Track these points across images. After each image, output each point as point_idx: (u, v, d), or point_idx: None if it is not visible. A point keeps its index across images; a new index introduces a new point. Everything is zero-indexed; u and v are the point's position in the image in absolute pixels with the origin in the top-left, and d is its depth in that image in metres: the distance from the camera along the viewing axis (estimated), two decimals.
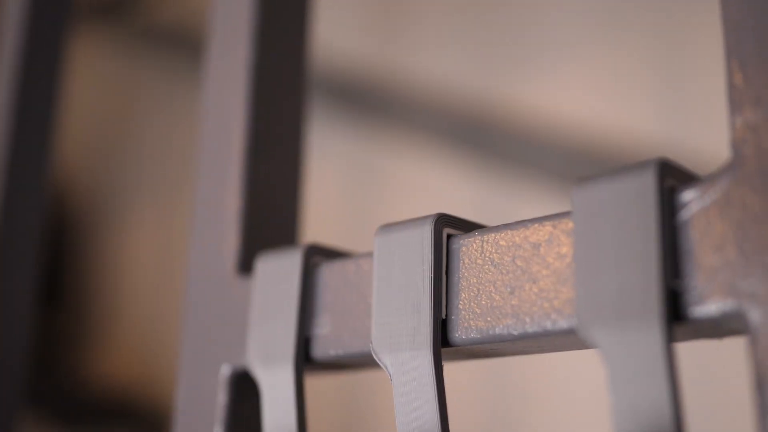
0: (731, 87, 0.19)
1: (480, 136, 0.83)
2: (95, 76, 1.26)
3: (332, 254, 0.29)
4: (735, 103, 0.19)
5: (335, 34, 0.93)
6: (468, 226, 0.25)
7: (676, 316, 0.19)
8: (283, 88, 0.36)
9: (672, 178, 0.20)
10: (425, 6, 0.91)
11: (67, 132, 1.16)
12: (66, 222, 1.21)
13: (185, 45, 1.09)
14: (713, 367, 0.59)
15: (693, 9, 0.72)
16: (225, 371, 0.31)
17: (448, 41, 0.87)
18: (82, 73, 1.20)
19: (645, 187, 0.19)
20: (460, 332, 0.23)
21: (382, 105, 0.91)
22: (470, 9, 0.87)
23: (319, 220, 0.83)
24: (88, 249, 1.20)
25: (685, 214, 0.19)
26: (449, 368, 0.25)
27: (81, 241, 1.21)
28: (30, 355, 0.50)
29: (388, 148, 0.89)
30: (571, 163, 0.76)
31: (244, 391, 0.31)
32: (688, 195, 0.19)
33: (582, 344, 0.21)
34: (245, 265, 0.32)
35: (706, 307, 0.18)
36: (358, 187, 0.92)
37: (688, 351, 0.26)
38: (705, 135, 0.68)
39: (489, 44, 0.84)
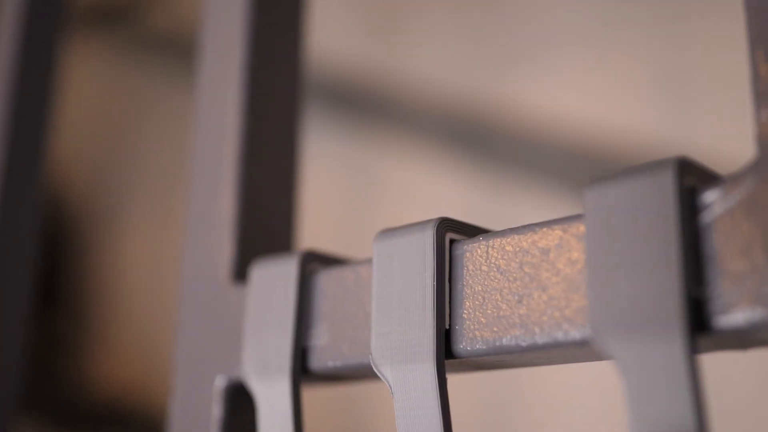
0: (756, 79, 0.18)
1: (480, 139, 0.81)
2: (93, 81, 1.25)
3: (330, 261, 0.28)
4: (761, 96, 0.17)
5: (331, 36, 0.92)
6: (472, 231, 0.23)
7: (700, 326, 0.17)
8: (278, 92, 0.34)
9: (692, 177, 0.18)
10: (422, 7, 0.90)
11: (65, 137, 1.15)
12: (64, 227, 1.20)
13: (183, 51, 1.08)
14: (740, 380, 0.58)
15: (696, 7, 0.70)
16: (219, 383, 0.30)
17: (446, 42, 0.86)
18: (79, 78, 1.19)
19: (663, 187, 0.18)
20: (464, 343, 0.22)
21: (379, 108, 0.90)
22: (468, 10, 0.86)
23: (316, 226, 0.82)
24: (86, 254, 1.19)
25: (707, 216, 0.18)
26: (453, 381, 0.23)
27: (78, 246, 1.20)
28: (27, 360, 0.50)
29: (386, 152, 0.88)
30: (575, 166, 0.74)
31: (240, 404, 0.30)
32: (710, 195, 0.18)
33: (595, 356, 0.20)
34: (240, 273, 0.31)
35: (733, 316, 0.17)
36: (356, 192, 0.91)
37: (712, 362, 0.25)
38: (711, 136, 0.67)
39: (488, 45, 0.83)
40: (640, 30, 0.74)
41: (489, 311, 0.21)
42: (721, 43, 0.68)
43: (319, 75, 0.91)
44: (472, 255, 0.22)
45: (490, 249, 0.22)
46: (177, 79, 1.12)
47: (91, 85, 1.25)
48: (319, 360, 0.26)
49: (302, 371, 0.27)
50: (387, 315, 0.23)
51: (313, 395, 0.36)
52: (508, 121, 0.79)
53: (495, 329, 0.21)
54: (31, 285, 0.50)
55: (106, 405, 1.06)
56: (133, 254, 1.14)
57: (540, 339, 0.20)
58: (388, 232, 0.24)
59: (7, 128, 0.50)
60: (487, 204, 0.78)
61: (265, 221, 0.33)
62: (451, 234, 0.23)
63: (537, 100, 0.77)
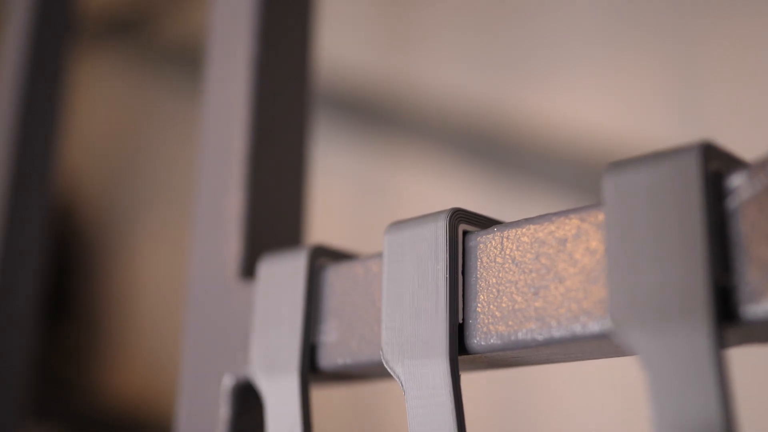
0: None
1: (492, 148, 0.81)
2: (106, 91, 1.25)
3: (339, 256, 0.27)
4: None
5: (343, 45, 0.92)
6: (485, 222, 0.23)
7: (726, 315, 0.16)
8: (286, 87, 0.34)
9: (717, 161, 0.17)
10: (434, 17, 0.89)
11: (79, 147, 1.16)
12: (77, 237, 1.20)
13: (195, 61, 1.08)
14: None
15: (710, 12, 0.70)
16: (227, 382, 0.29)
17: (458, 52, 0.86)
18: (93, 88, 1.19)
19: (687, 171, 0.17)
20: (478, 338, 0.21)
21: (390, 116, 0.89)
22: (480, 19, 0.85)
23: (326, 232, 0.81)
24: (99, 264, 1.19)
25: (733, 201, 0.17)
26: (466, 377, 0.23)
27: (91, 256, 1.20)
28: (34, 368, 0.49)
29: (396, 160, 0.87)
30: (587, 176, 0.74)
31: (248, 403, 0.29)
32: (736, 180, 0.17)
33: (616, 350, 0.19)
34: (248, 270, 0.30)
35: (761, 305, 0.16)
36: (366, 200, 0.90)
37: (740, 356, 0.24)
38: (727, 142, 0.66)
39: (500, 54, 0.83)
40: (656, 39, 0.73)
41: (504, 304, 0.21)
42: (742, 46, 0.67)
43: (333, 84, 0.91)
44: (486, 246, 0.21)
45: (504, 240, 0.21)
46: (189, 89, 1.12)
47: (104, 95, 1.26)
48: (328, 357, 0.25)
49: (311, 369, 0.26)
50: (398, 309, 0.22)
51: (322, 393, 0.35)
52: (523, 132, 0.78)
53: (510, 323, 0.20)
54: (39, 293, 0.50)
55: (119, 413, 1.06)
56: (145, 263, 1.14)
57: (557, 332, 0.19)
58: (398, 224, 0.23)
59: (15, 136, 0.50)
60: (502, 215, 0.78)
61: (274, 218, 0.32)
62: (465, 225, 0.22)
63: (550, 110, 0.76)
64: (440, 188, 0.82)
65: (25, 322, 0.49)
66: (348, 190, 0.91)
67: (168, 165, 1.15)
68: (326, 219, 0.85)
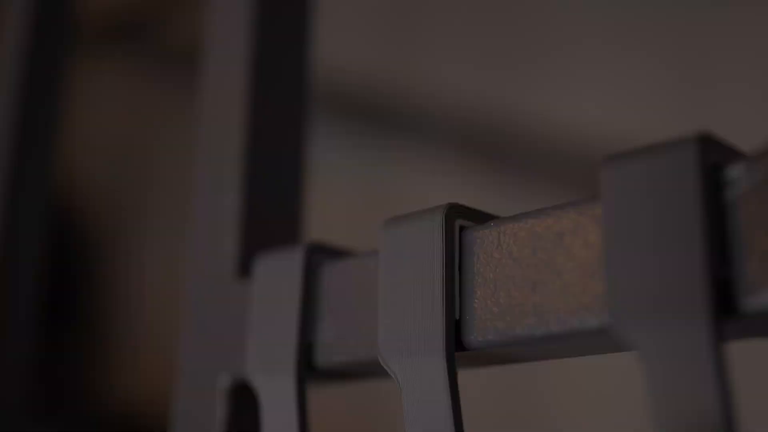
0: None
1: (494, 147, 0.80)
2: (106, 92, 1.25)
3: (335, 253, 0.27)
4: None
5: (345, 43, 0.91)
6: (482, 217, 0.22)
7: (725, 309, 0.16)
8: (284, 85, 0.34)
9: (715, 153, 0.17)
10: (434, 15, 0.89)
11: (80, 148, 1.16)
12: (77, 236, 1.20)
13: (195, 63, 1.08)
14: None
15: (719, 9, 0.69)
16: (223, 382, 0.29)
17: (459, 50, 0.85)
18: (93, 90, 1.19)
19: (685, 163, 0.17)
20: (476, 334, 0.21)
21: (391, 115, 0.89)
22: (482, 17, 0.85)
23: (327, 232, 0.81)
24: (107, 268, 1.19)
25: (732, 193, 0.17)
26: (464, 375, 0.22)
27: (99, 260, 1.20)
28: (34, 370, 0.49)
29: (398, 160, 0.87)
30: (593, 177, 0.73)
31: (244, 403, 0.29)
32: (735, 171, 0.17)
33: (614, 345, 0.19)
34: (245, 268, 0.30)
35: (761, 297, 0.16)
36: (368, 200, 0.90)
37: (739, 351, 0.24)
38: (734, 139, 0.65)
39: (503, 54, 0.82)
40: (660, 37, 0.73)
41: (501, 300, 0.20)
42: (752, 44, 0.67)
43: (332, 80, 0.91)
44: (483, 242, 0.21)
45: (501, 235, 0.21)
46: (190, 90, 1.12)
47: (104, 97, 1.26)
48: (325, 356, 0.25)
49: (308, 368, 0.26)
50: (395, 306, 0.22)
51: (319, 393, 0.35)
52: (527, 132, 0.78)
53: (508, 319, 0.20)
54: (39, 294, 0.50)
55: (120, 414, 1.05)
56: (147, 264, 1.14)
57: (555, 328, 0.19)
58: (395, 220, 0.23)
59: (14, 138, 0.50)
60: (504, 213, 0.77)
61: (271, 217, 0.32)
62: (461, 221, 0.22)
63: (556, 111, 0.76)
64: (442, 188, 0.82)
65: (25, 323, 0.49)
66: (350, 190, 0.91)
67: (169, 166, 1.15)
68: (328, 219, 0.84)
